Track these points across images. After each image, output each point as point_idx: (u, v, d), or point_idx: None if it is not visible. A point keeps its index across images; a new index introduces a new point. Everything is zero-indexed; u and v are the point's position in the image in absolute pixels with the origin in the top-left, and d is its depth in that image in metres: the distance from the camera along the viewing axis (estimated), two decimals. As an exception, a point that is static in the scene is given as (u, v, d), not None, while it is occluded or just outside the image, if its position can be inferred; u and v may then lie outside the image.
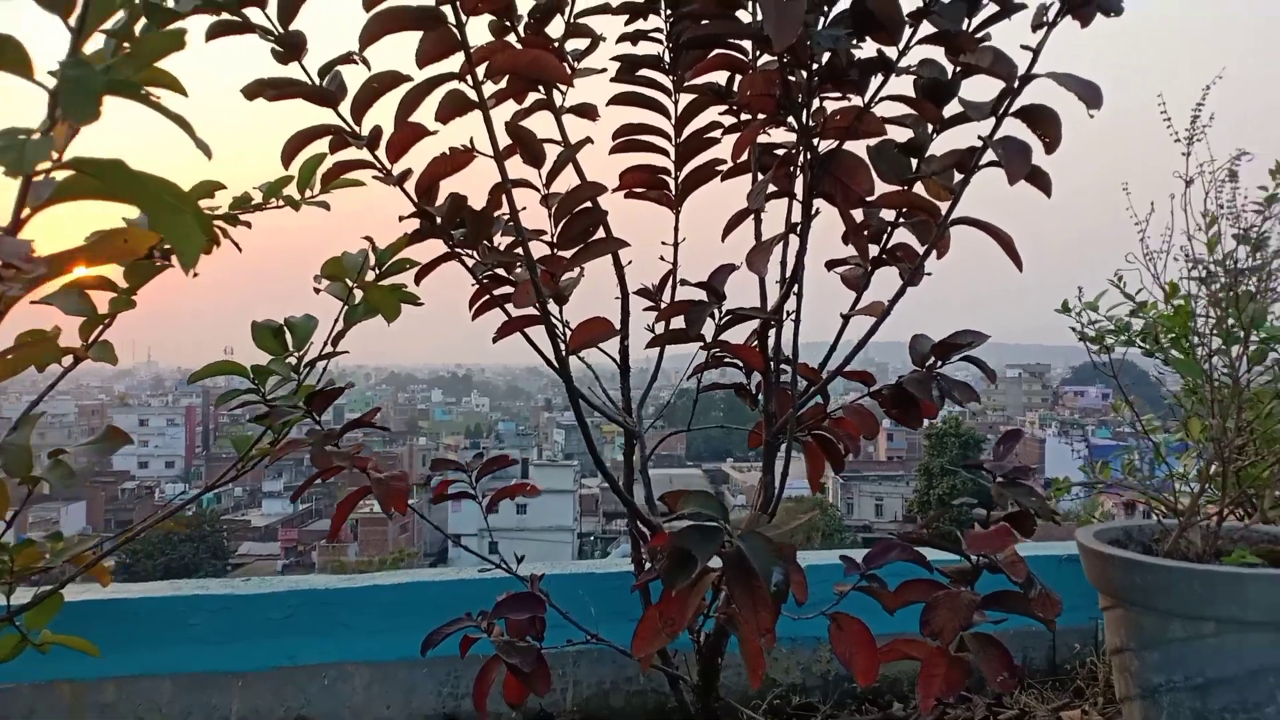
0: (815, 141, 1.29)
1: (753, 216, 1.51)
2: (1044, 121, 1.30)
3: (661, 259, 1.76)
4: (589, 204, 1.51)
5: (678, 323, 1.55)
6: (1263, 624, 1.24)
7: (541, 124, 1.66)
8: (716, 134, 1.70)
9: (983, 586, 1.27)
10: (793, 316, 1.52)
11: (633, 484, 1.67)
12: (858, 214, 1.46)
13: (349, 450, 1.33)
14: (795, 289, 1.42)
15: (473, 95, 1.27)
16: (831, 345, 1.65)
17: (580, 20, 1.66)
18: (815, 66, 1.23)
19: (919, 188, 1.48)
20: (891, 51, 1.26)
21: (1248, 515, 1.72)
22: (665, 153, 1.74)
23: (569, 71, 1.49)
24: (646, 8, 1.65)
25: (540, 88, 1.65)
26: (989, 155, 1.30)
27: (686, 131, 1.72)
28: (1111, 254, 1.97)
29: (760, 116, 1.27)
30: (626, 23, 1.70)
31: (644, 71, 1.71)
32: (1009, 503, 1.25)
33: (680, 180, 1.75)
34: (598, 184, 1.48)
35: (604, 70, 1.73)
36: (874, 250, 1.54)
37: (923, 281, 1.48)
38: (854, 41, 1.21)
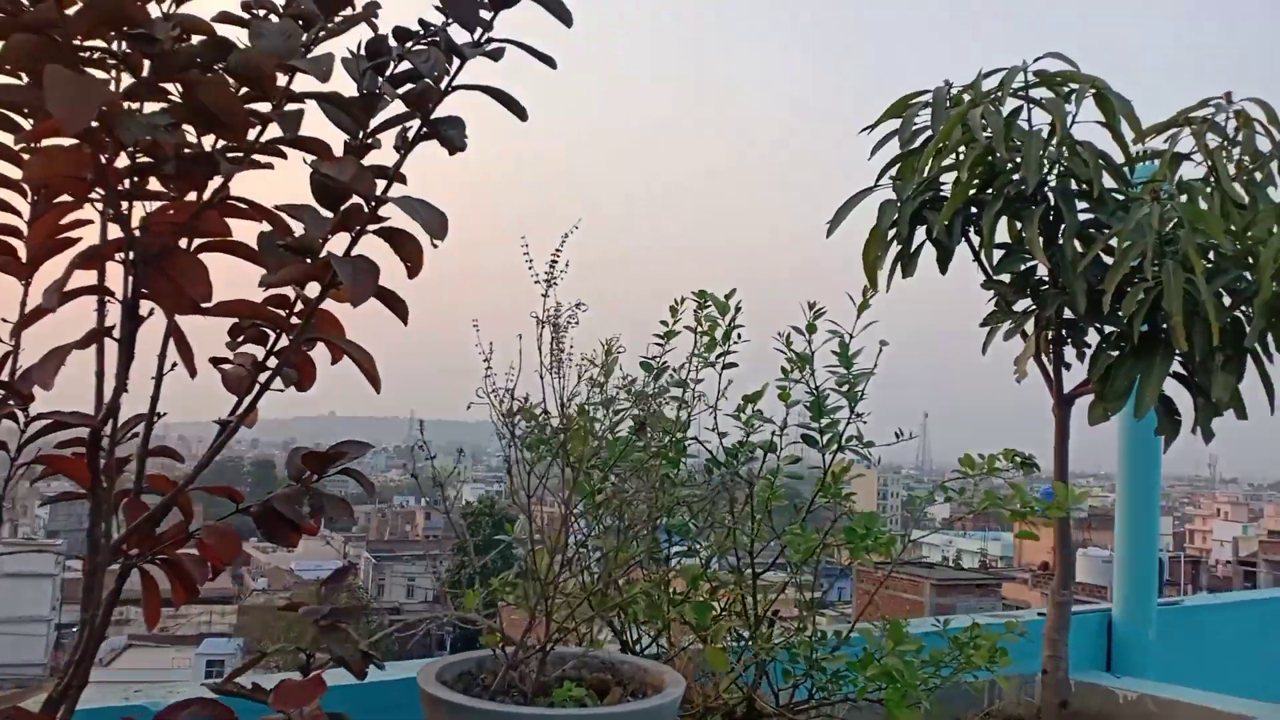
0: (145, 236, 1.14)
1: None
2: (405, 245, 1.27)
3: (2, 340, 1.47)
4: None
5: None
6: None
7: None
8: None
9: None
10: (151, 419, 1.34)
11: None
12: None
13: None
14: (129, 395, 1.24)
15: None
16: (209, 451, 1.48)
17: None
18: (140, 155, 1.09)
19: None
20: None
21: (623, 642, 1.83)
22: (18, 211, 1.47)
23: None
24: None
25: None
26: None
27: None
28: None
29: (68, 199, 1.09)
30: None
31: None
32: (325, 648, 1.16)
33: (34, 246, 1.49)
34: None
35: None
36: (261, 353, 1.42)
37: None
38: (183, 133, 1.09)
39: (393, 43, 1.30)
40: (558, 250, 1.35)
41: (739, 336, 1.77)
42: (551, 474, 1.81)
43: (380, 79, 1.29)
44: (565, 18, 1.22)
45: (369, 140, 1.30)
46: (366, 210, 1.22)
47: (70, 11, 0.98)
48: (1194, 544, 60.02)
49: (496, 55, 1.23)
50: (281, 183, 1.32)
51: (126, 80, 1.12)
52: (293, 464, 1.50)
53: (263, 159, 1.23)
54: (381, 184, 1.25)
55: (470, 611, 1.67)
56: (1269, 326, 2.02)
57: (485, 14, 1.23)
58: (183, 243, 1.22)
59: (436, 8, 1.22)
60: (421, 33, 1.30)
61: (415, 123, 1.25)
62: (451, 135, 1.20)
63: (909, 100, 2.38)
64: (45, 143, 1.31)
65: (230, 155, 1.16)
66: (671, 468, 1.79)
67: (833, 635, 1.78)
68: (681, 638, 1.99)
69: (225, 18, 1.20)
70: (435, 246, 1.18)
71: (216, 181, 1.19)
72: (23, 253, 1.49)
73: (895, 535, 1.71)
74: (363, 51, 1.30)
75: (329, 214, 1.27)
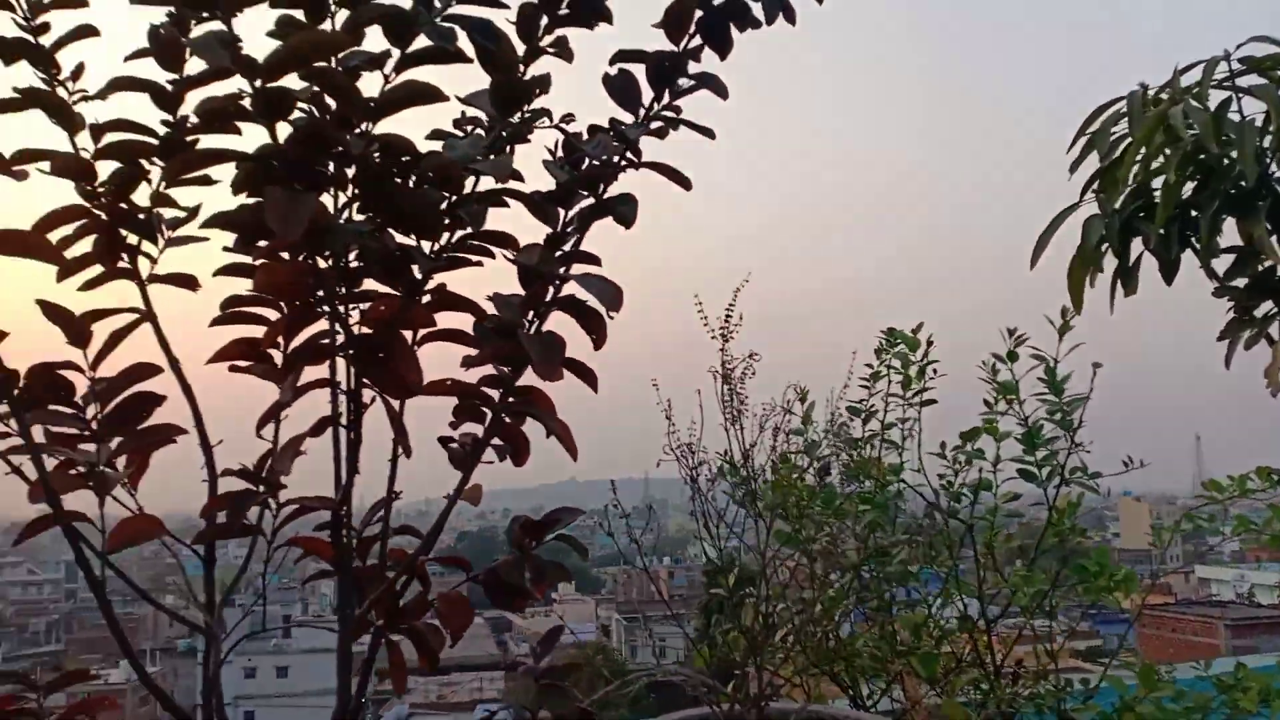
0: (358, 330, 1.27)
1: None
2: (590, 318, 1.34)
3: (261, 437, 1.67)
4: (143, 387, 1.41)
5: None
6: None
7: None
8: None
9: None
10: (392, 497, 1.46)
11: (211, 693, 1.51)
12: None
13: None
14: (355, 477, 1.37)
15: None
16: (435, 526, 1.59)
17: (168, 190, 1.60)
18: (348, 258, 1.23)
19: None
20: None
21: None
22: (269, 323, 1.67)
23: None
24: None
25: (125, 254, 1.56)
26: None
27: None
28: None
29: (297, 304, 1.24)
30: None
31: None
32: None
33: (288, 353, 1.69)
34: (148, 365, 1.39)
35: (208, 239, 1.66)
36: (479, 430, 1.53)
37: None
38: (389, 237, 1.22)
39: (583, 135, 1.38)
40: (730, 304, 1.38)
41: (934, 372, 1.71)
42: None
43: (573, 172, 1.38)
44: (722, 93, 1.27)
45: (567, 229, 1.39)
46: (552, 291, 1.31)
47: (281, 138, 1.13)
48: None
49: (661, 134, 1.29)
50: (482, 276, 1.43)
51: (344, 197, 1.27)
52: (513, 533, 1.58)
53: (472, 257, 1.35)
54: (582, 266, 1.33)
55: (701, 669, 1.68)
56: None
57: (647, 96, 1.30)
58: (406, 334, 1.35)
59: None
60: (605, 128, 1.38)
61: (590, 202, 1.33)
62: (622, 211, 1.27)
63: (1102, 110, 2.24)
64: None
65: (432, 254, 1.28)
66: (880, 513, 1.74)
67: (1079, 684, 1.65)
68: (918, 691, 1.92)
69: (436, 135, 1.33)
70: (611, 318, 1.25)
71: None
72: (278, 359, 1.69)
73: (1133, 571, 1.57)
74: (560, 153, 1.40)
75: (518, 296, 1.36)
